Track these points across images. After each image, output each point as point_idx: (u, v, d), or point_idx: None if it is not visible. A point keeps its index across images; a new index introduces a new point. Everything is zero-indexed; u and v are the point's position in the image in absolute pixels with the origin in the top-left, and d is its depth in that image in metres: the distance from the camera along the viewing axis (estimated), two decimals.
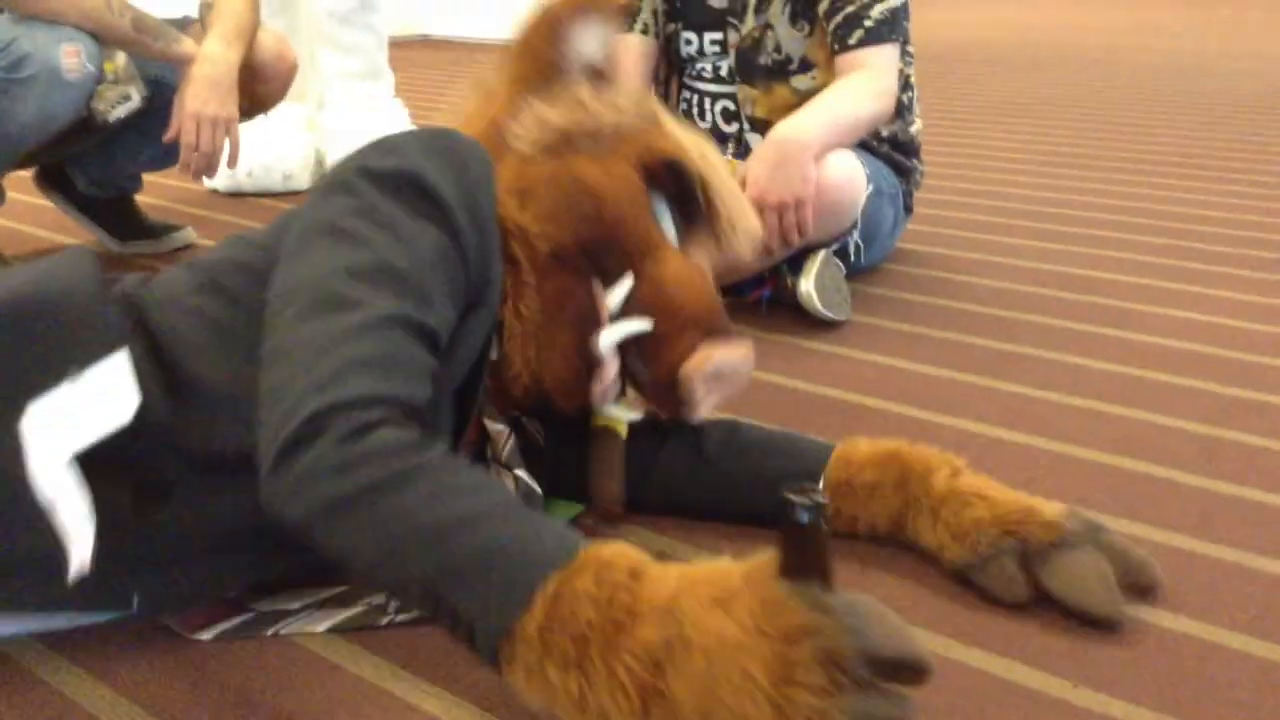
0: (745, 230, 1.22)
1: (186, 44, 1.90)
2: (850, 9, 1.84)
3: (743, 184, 1.73)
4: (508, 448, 1.11)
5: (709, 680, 0.73)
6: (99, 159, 2.13)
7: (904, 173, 2.03)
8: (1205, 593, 1.07)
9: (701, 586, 0.78)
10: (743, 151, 1.95)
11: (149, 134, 2.00)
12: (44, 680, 0.95)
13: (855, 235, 1.89)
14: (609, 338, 1.08)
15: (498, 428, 1.12)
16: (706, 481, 1.18)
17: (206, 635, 1.00)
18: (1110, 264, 2.11)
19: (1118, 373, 1.60)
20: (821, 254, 1.81)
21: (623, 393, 1.17)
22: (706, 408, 1.11)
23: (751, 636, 0.74)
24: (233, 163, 1.95)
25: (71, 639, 0.99)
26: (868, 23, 1.83)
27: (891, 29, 1.85)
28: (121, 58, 1.96)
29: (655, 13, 2.01)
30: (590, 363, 1.09)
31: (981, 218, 2.45)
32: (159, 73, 2.02)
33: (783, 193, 1.69)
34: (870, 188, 1.85)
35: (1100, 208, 2.52)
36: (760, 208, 1.69)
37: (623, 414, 1.17)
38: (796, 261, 1.81)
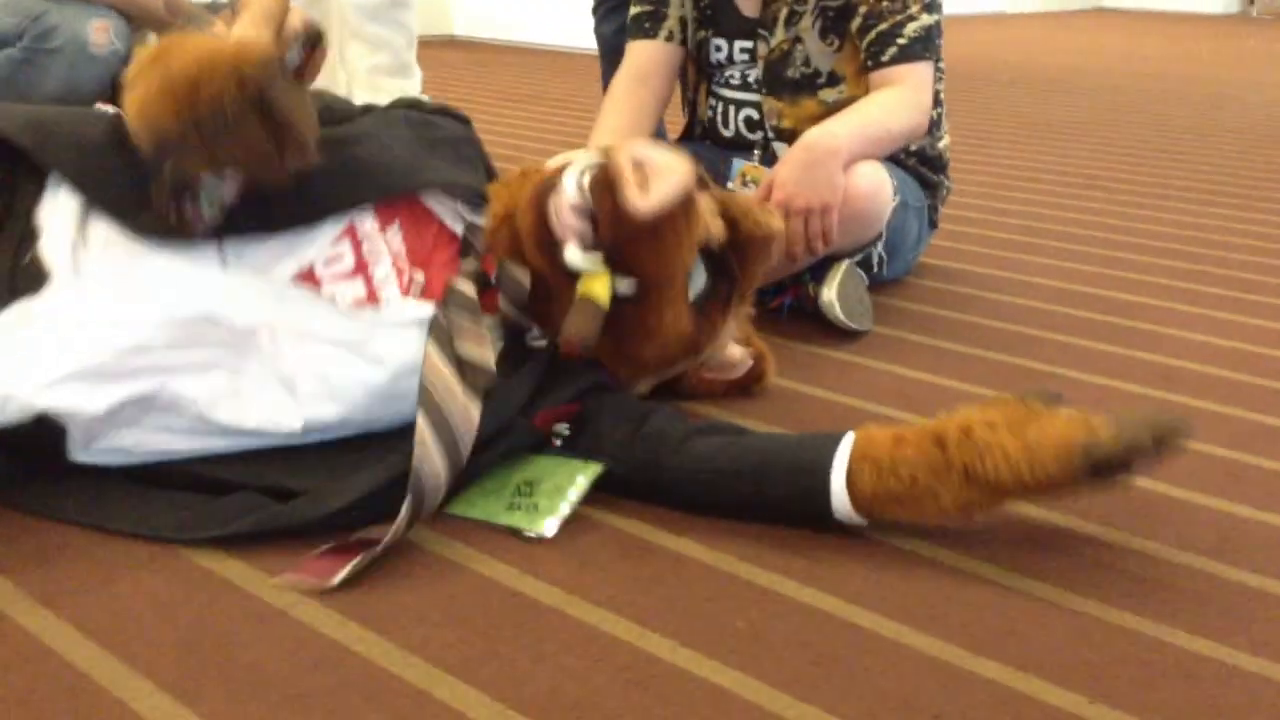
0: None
1: (217, 28, 1.91)
2: (884, 26, 1.83)
3: (769, 189, 1.73)
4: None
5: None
6: None
7: (931, 187, 2.03)
8: (1224, 616, 1.06)
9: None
10: (769, 159, 1.95)
11: None
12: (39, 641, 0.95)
13: (879, 246, 1.89)
14: (573, 174, 1.22)
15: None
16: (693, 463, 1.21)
17: (337, 580, 1.04)
18: (1134, 286, 2.10)
19: (1140, 394, 1.59)
20: (845, 263, 1.80)
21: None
22: (645, 203, 1.19)
23: None
24: None
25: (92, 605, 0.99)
26: (901, 40, 1.83)
27: (925, 46, 1.84)
28: (153, 40, 1.97)
29: (683, 20, 2.01)
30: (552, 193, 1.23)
31: (1006, 235, 2.44)
32: None
33: (810, 198, 1.68)
34: (897, 199, 1.85)
35: (1125, 230, 2.51)
36: (786, 212, 1.69)
37: (593, 266, 1.23)
38: (819, 270, 1.80)
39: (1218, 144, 3.63)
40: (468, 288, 1.28)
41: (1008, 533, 1.19)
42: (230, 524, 1.11)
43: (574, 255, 1.23)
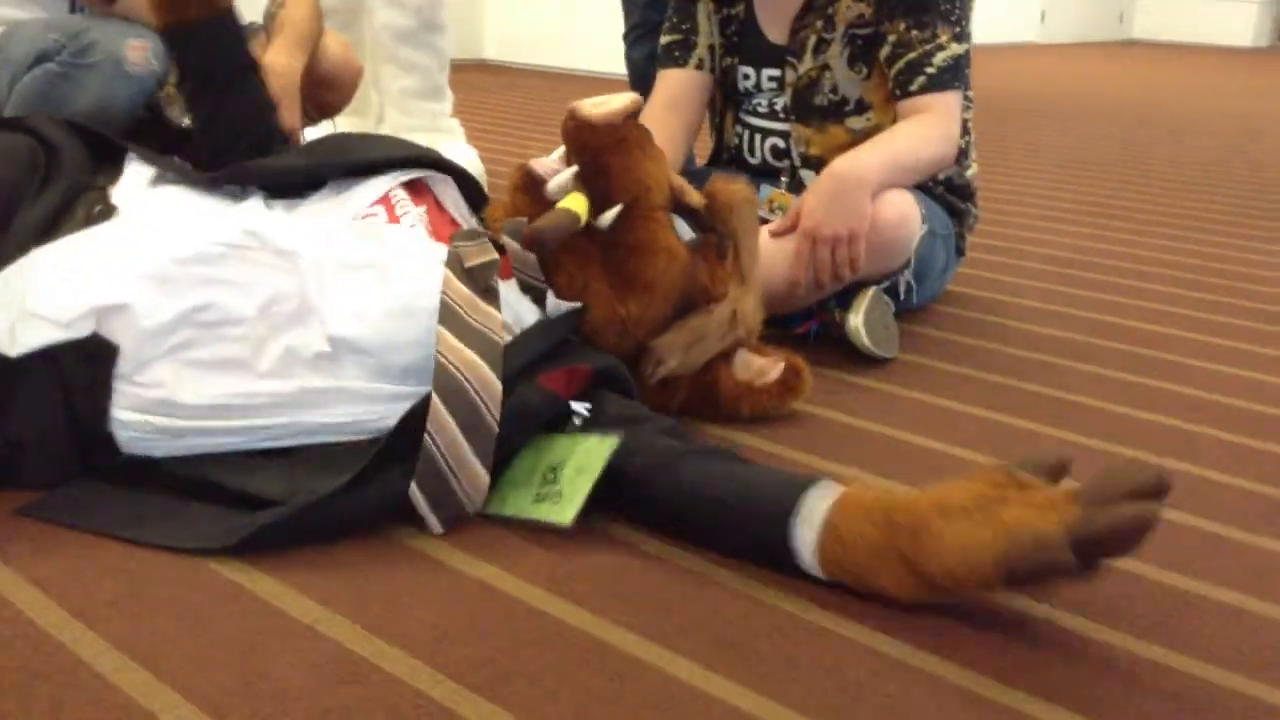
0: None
1: (254, 49, 1.94)
2: (912, 55, 1.84)
3: (796, 216, 1.73)
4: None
5: None
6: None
7: (958, 215, 2.03)
8: (1256, 650, 1.05)
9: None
10: (795, 187, 1.96)
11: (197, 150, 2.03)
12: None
13: (907, 274, 1.89)
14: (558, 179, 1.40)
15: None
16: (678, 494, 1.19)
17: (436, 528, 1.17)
18: (1161, 317, 2.09)
19: (1169, 425, 1.59)
20: (871, 290, 1.80)
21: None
22: (596, 111, 1.36)
23: None
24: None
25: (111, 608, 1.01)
26: (930, 69, 1.84)
27: (954, 76, 1.85)
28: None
29: (712, 48, 2.03)
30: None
31: (1033, 265, 2.44)
32: None
33: (837, 226, 1.69)
34: (924, 228, 1.85)
35: (1153, 261, 2.50)
36: (813, 240, 1.70)
37: (571, 187, 1.37)
38: (846, 296, 1.80)
39: (1247, 176, 3.62)
40: (472, 228, 1.42)
41: None
42: (256, 524, 1.13)
43: (553, 181, 1.39)
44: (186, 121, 1.97)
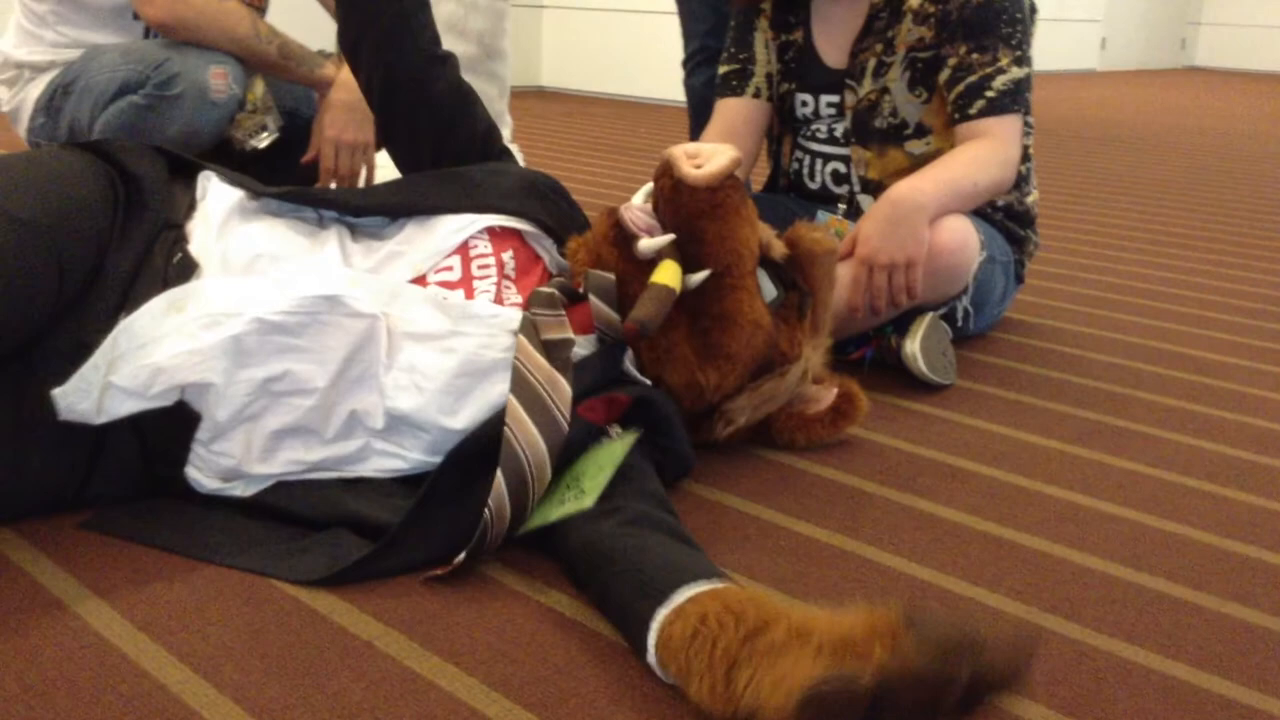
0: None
1: (328, 68, 1.98)
2: (972, 79, 1.84)
3: (853, 242, 1.73)
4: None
5: None
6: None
7: (1018, 242, 2.02)
8: None
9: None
10: (853, 213, 1.96)
11: (276, 165, 2.08)
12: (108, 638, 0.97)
13: (965, 300, 1.88)
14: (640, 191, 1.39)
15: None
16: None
17: (459, 559, 1.14)
18: (1223, 346, 2.06)
19: (1232, 456, 1.56)
20: (929, 316, 1.79)
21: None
22: (697, 173, 1.31)
23: None
24: (369, 185, 2.02)
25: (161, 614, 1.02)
26: (990, 93, 1.83)
27: (1014, 100, 1.84)
28: (260, 88, 2.04)
29: (770, 75, 2.04)
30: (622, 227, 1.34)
31: (1093, 293, 2.41)
32: (293, 105, 2.10)
33: (894, 253, 1.69)
34: (983, 254, 1.84)
35: (1215, 290, 2.46)
36: (870, 266, 1.69)
37: (663, 251, 1.31)
38: (902, 322, 1.80)
39: None
40: (550, 291, 1.34)
41: (1089, 590, 1.17)
42: (323, 560, 1.14)
43: (645, 243, 1.31)
44: (257, 143, 2.02)
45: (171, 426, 1.21)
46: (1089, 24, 9.39)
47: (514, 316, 1.30)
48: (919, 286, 1.71)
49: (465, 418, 1.25)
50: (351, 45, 1.54)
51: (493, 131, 1.57)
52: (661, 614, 0.97)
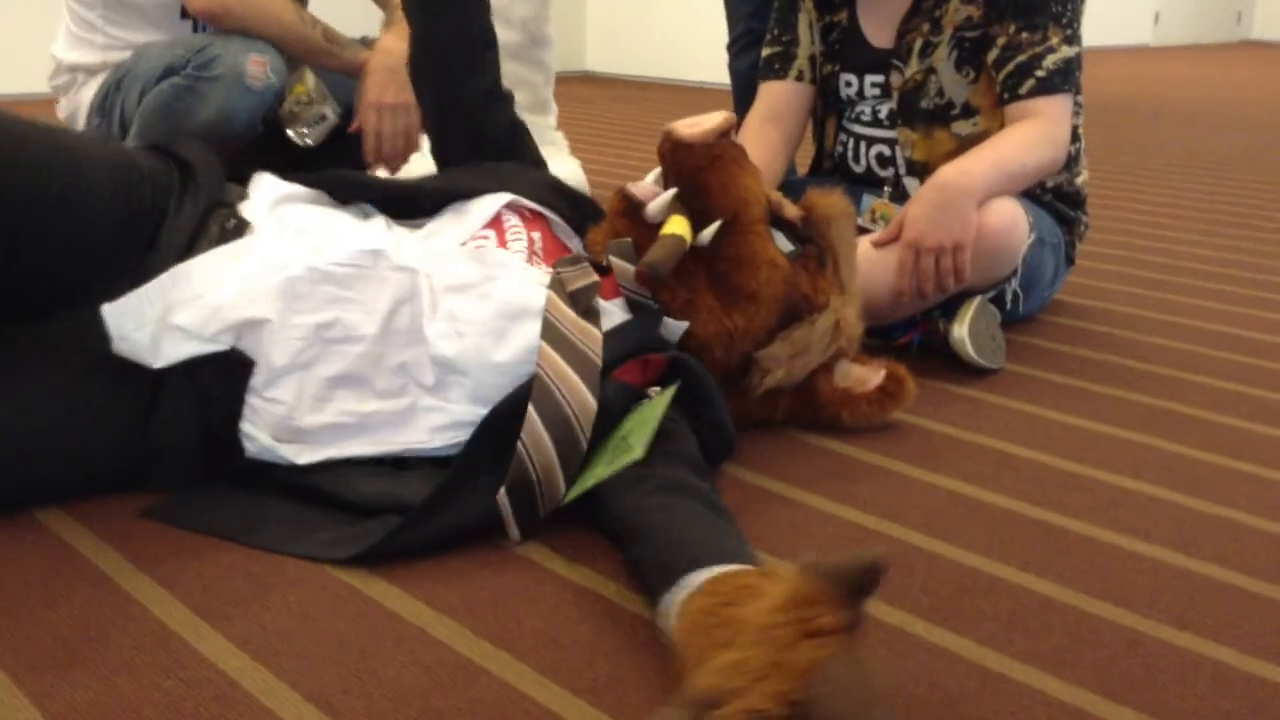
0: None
1: (366, 54, 2.01)
2: (1021, 58, 1.82)
3: (899, 226, 1.72)
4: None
5: None
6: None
7: (1068, 223, 1.99)
8: None
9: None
10: (900, 196, 1.95)
11: (331, 157, 2.10)
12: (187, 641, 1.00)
13: (1014, 283, 1.86)
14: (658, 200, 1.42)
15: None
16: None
17: (513, 534, 1.20)
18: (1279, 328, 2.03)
19: None
20: (977, 300, 1.78)
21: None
22: (691, 131, 1.40)
23: None
24: (412, 147, 2.05)
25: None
26: (1039, 73, 1.81)
27: (1065, 79, 1.82)
28: (312, 79, 2.06)
29: (813, 58, 2.03)
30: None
31: (1146, 274, 2.38)
32: (347, 97, 2.13)
33: (941, 236, 1.67)
34: (1032, 236, 1.82)
35: (1272, 270, 2.42)
36: (916, 250, 1.69)
37: (671, 209, 1.39)
38: (950, 306, 1.79)
39: None
40: (575, 254, 1.45)
41: (1139, 576, 1.17)
42: (367, 539, 1.16)
43: (652, 205, 1.41)
44: (315, 135, 2.04)
45: (227, 373, 1.25)
46: None
47: (544, 272, 1.38)
48: (967, 270, 1.70)
49: (507, 353, 1.29)
50: (418, 70, 1.63)
51: (540, 164, 1.68)
52: (667, 601, 0.98)
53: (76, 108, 2.08)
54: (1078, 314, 2.09)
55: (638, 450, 1.16)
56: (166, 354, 1.23)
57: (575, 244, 1.53)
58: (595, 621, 1.07)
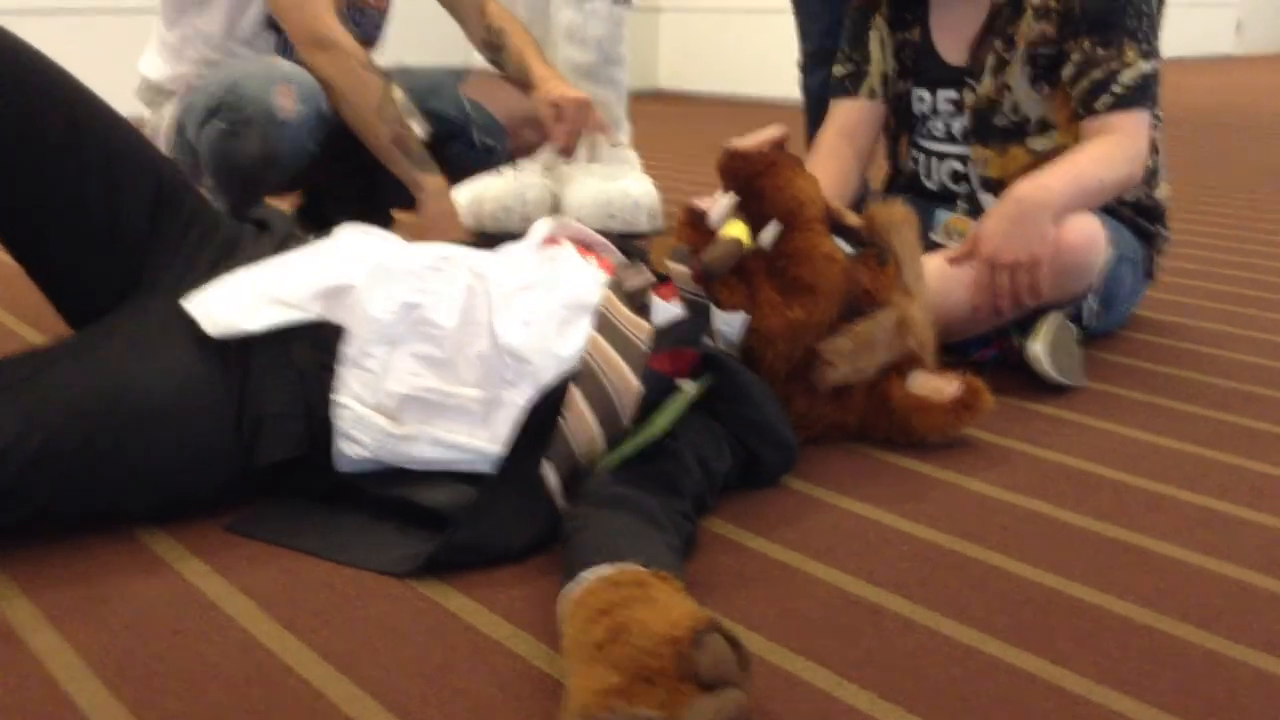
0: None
1: (428, 180, 1.96)
2: (1097, 74, 1.80)
3: (975, 242, 1.71)
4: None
5: None
6: (360, 197, 2.27)
7: (1147, 238, 1.97)
8: None
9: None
10: (975, 211, 1.93)
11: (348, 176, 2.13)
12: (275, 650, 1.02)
13: (1091, 299, 1.84)
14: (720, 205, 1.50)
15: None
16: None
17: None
18: None
19: None
20: (1054, 316, 1.76)
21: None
22: (744, 141, 1.52)
23: None
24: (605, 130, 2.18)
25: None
26: (1116, 89, 1.79)
27: (1142, 95, 1.80)
28: (399, 93, 2.10)
29: (885, 75, 2.02)
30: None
31: (1229, 289, 2.33)
32: (441, 108, 2.16)
33: (1018, 251, 1.66)
34: (1111, 251, 1.80)
35: None
36: (993, 266, 1.67)
37: (732, 214, 1.48)
38: (1027, 322, 1.77)
39: None
40: (634, 260, 1.51)
41: (1223, 598, 1.15)
42: (425, 553, 1.19)
43: (713, 212, 1.49)
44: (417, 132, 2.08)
45: (318, 343, 1.31)
46: (1223, 7, 9.03)
47: (605, 275, 1.44)
48: (1044, 286, 1.68)
49: (569, 347, 1.33)
50: None
51: None
52: (565, 593, 1.01)
53: (159, 125, 2.14)
54: (1159, 330, 2.06)
55: (656, 429, 1.24)
56: (260, 319, 1.29)
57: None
58: None
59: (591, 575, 1.00)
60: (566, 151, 2.15)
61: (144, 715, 0.95)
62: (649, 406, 1.29)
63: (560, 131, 2.11)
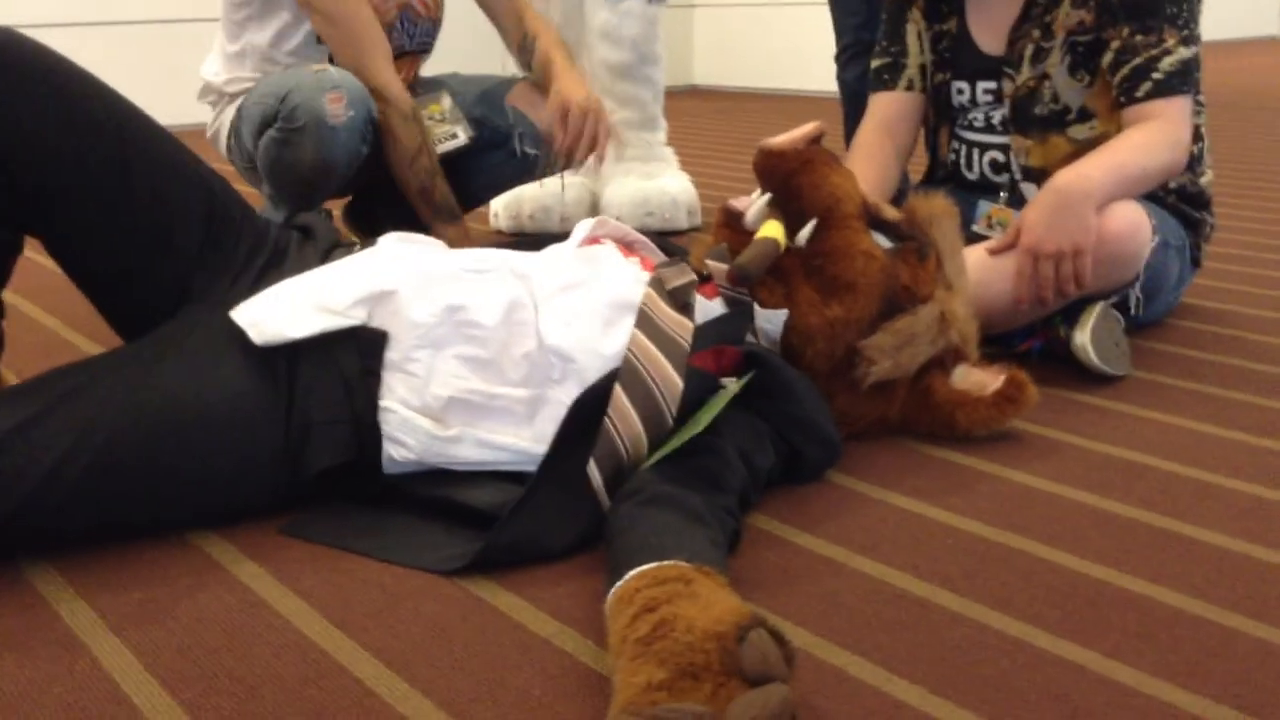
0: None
1: (449, 232, 2.08)
2: (1137, 61, 1.78)
3: (1017, 232, 1.70)
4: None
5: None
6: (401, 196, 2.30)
7: (1192, 225, 1.94)
8: None
9: None
10: (1016, 202, 1.92)
11: (457, 176, 2.16)
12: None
13: (1136, 288, 1.82)
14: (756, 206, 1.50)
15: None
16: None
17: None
18: None
19: None
20: (1099, 306, 1.75)
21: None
22: (778, 140, 1.49)
23: None
24: (603, 149, 2.18)
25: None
26: (1157, 75, 1.77)
27: (1183, 81, 1.78)
28: (448, 101, 2.13)
29: (923, 67, 2.01)
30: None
31: (1277, 274, 2.30)
32: (482, 114, 2.19)
33: (1060, 241, 1.65)
34: (1156, 239, 1.78)
35: None
36: (1035, 256, 1.66)
37: (767, 214, 1.47)
38: (1071, 313, 1.75)
39: None
40: (675, 259, 1.53)
41: (1275, 588, 1.14)
42: (472, 552, 1.20)
43: (750, 214, 1.49)
44: (441, 150, 2.11)
45: (363, 349, 1.32)
46: None
47: (646, 273, 1.44)
48: (1087, 276, 1.67)
49: (613, 345, 1.34)
50: None
51: None
52: (611, 591, 1.02)
53: (220, 128, 2.20)
54: (1205, 317, 2.03)
55: (699, 427, 1.24)
56: (304, 326, 1.31)
57: None
58: None
59: (636, 572, 1.01)
60: (567, 162, 2.15)
61: (200, 716, 0.97)
62: (693, 404, 1.30)
63: (561, 139, 2.11)
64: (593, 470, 1.23)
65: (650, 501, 1.16)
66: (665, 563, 1.01)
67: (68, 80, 1.35)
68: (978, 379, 1.52)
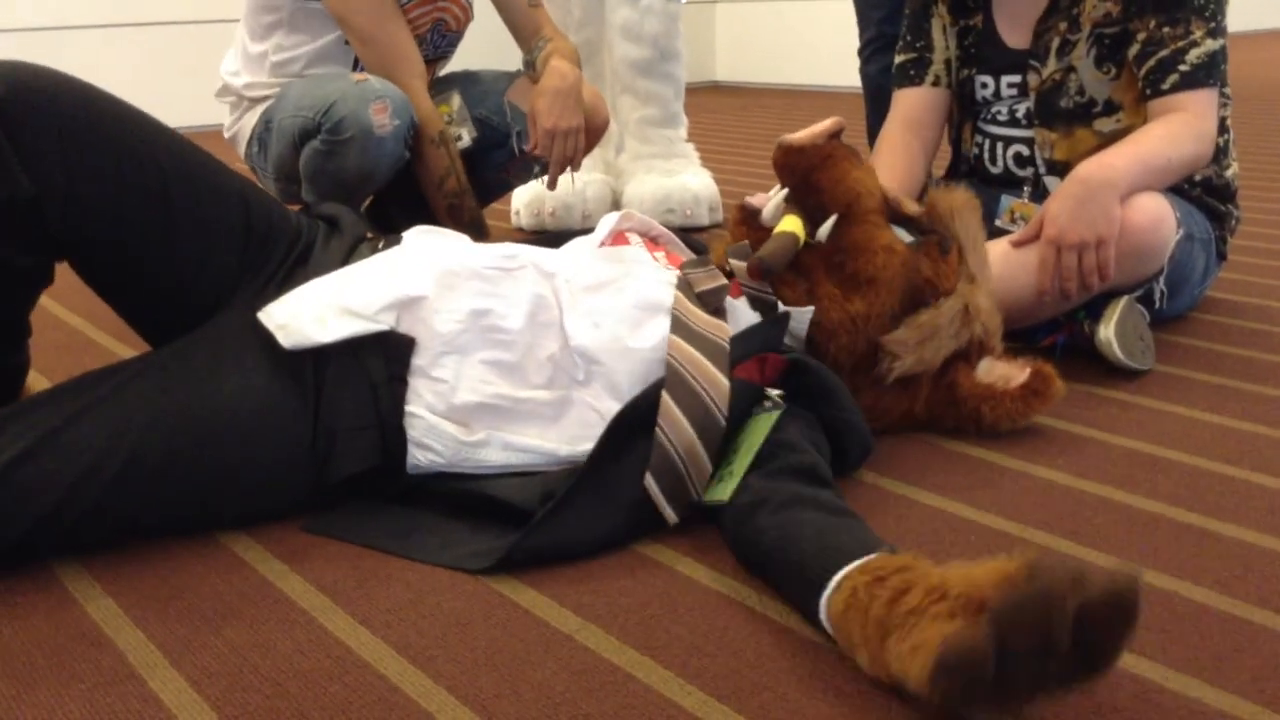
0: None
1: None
2: (1164, 53, 1.77)
3: (1040, 225, 1.69)
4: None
5: None
6: (417, 196, 2.31)
7: (1218, 218, 1.93)
8: None
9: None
10: (1039, 196, 1.91)
11: (472, 169, 2.17)
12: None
13: (1161, 281, 1.81)
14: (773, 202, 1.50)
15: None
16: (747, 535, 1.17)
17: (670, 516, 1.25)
18: None
19: None
20: (1123, 299, 1.74)
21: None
22: (797, 136, 1.47)
23: None
24: (575, 167, 2.17)
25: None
26: (1183, 67, 1.76)
27: (1209, 73, 1.76)
28: (457, 101, 2.14)
29: (948, 62, 2.01)
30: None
31: None
32: (484, 114, 2.19)
33: (1084, 232, 1.64)
34: (1180, 232, 1.77)
35: None
36: (1058, 248, 1.65)
37: (785, 209, 1.47)
38: (1095, 306, 1.74)
39: None
40: (701, 257, 1.52)
41: None
42: (507, 545, 1.20)
43: (767, 210, 1.49)
44: (463, 141, 2.13)
45: (390, 354, 1.32)
46: None
47: (674, 272, 1.44)
48: (1111, 267, 1.66)
49: (642, 340, 1.34)
50: None
51: None
52: (823, 602, 1.01)
53: (240, 130, 2.21)
54: (1231, 311, 2.02)
55: (738, 477, 1.21)
56: (332, 330, 1.30)
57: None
58: (738, 629, 1.08)
59: (856, 565, 1.00)
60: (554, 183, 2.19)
61: (226, 711, 0.98)
62: (741, 415, 1.29)
63: (554, 174, 2.16)
64: (650, 484, 1.22)
65: (785, 506, 1.15)
66: (871, 556, 1.01)
67: (101, 117, 1.30)
68: (1003, 371, 1.51)
